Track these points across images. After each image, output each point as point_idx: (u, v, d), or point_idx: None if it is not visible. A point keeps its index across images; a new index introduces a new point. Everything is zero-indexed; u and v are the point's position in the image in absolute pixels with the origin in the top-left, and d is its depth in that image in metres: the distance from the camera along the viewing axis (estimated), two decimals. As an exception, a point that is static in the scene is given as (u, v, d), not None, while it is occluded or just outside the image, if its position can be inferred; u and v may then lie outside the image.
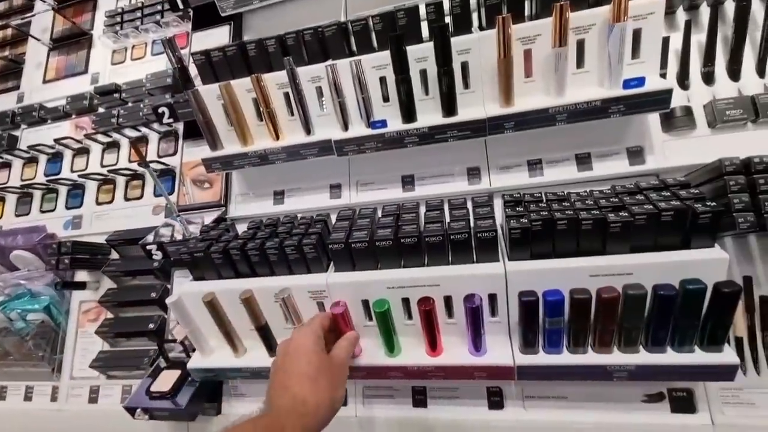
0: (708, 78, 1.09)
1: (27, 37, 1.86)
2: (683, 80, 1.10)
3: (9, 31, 1.94)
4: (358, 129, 1.15)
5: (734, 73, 1.08)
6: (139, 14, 1.65)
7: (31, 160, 1.70)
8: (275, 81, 1.18)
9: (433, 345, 0.96)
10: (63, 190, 1.61)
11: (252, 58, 1.21)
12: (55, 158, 1.66)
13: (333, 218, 1.15)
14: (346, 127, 1.16)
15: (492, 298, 0.94)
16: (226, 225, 1.22)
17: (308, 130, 1.19)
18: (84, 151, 1.63)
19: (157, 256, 1.25)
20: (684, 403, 0.96)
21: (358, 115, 1.15)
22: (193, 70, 1.38)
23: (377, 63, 1.10)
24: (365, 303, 1.02)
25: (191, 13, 1.59)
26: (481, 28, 1.10)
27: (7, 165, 1.73)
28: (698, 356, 0.84)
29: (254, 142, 1.25)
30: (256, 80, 1.13)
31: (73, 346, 1.44)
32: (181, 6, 1.46)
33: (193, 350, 1.18)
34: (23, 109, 1.73)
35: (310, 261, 1.03)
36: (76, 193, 1.58)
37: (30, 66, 1.85)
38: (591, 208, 0.89)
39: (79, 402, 1.38)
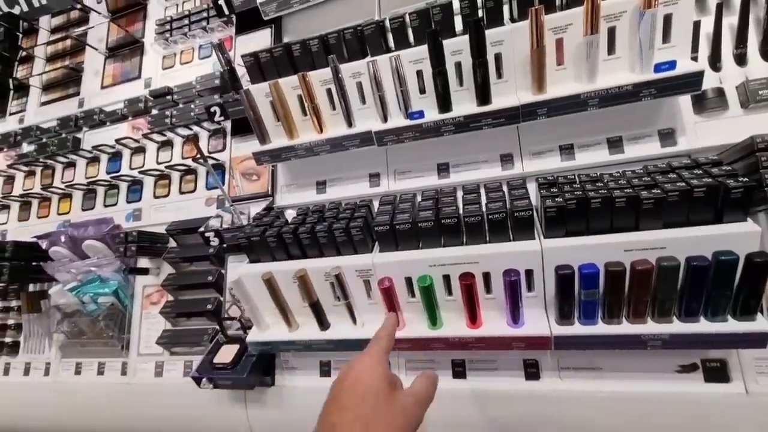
0: (740, 59, 1.11)
1: (85, 46, 2.03)
2: (715, 63, 1.12)
3: (68, 42, 2.11)
4: (397, 120, 1.23)
5: (767, 53, 1.09)
6: (186, 21, 1.78)
7: (94, 160, 1.86)
8: (319, 78, 1.27)
9: (473, 318, 1.04)
10: (123, 186, 1.76)
11: (297, 57, 1.30)
12: (115, 157, 1.82)
13: (375, 205, 1.24)
14: (385, 119, 1.24)
15: (528, 273, 1.00)
16: (276, 212, 1.32)
17: (350, 123, 1.28)
18: (141, 150, 1.77)
19: (214, 242, 1.37)
20: (718, 373, 1.00)
21: (396, 107, 1.23)
22: (239, 71, 1.50)
23: (414, 57, 1.18)
24: (408, 280, 1.10)
25: (234, 19, 1.70)
26: (512, 20, 1.15)
27: (73, 164, 1.90)
28: (731, 325, 0.88)
29: (300, 136, 1.35)
30: (303, 78, 1.23)
31: (138, 326, 1.59)
32: (226, 11, 1.57)
33: (250, 327, 1.30)
34: (85, 113, 1.90)
35: (356, 243, 1.12)
36: (135, 188, 1.73)
37: (88, 74, 2.01)
38: (624, 187, 0.94)
39: (146, 376, 1.53)
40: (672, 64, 1.00)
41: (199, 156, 1.37)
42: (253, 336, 1.23)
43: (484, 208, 1.02)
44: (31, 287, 1.81)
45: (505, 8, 1.16)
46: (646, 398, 1.04)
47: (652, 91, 1.02)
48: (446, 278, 1.07)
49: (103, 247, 1.58)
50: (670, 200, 0.88)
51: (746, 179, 0.84)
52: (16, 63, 2.22)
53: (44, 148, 1.90)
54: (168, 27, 1.79)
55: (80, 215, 1.81)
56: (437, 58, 1.11)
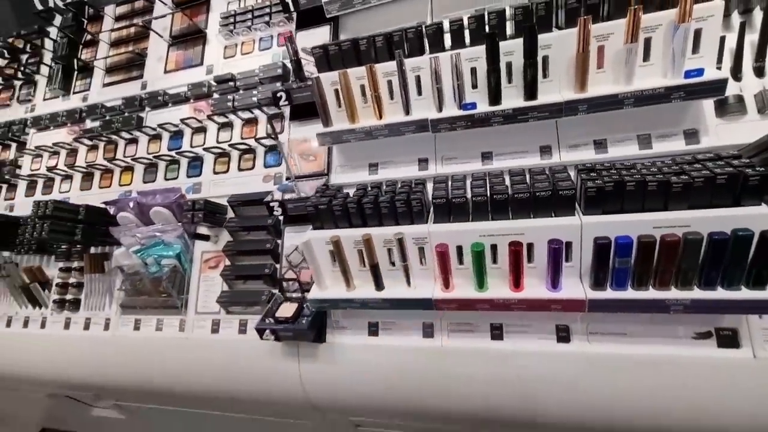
0: (759, 72, 1.27)
1: (148, 34, 2.20)
2: (736, 73, 1.28)
3: (132, 30, 2.29)
4: (451, 110, 1.39)
5: (783, 67, 1.25)
6: (249, 16, 1.95)
7: (156, 137, 2.03)
8: (382, 70, 1.43)
9: (517, 282, 1.19)
10: (184, 162, 1.93)
11: (363, 52, 1.47)
12: (177, 135, 1.99)
13: (428, 185, 1.40)
14: (440, 109, 1.40)
15: (568, 245, 1.16)
16: (336, 187, 1.48)
17: (407, 111, 1.44)
18: (202, 130, 1.94)
19: (278, 211, 1.53)
20: (729, 340, 1.15)
21: (449, 99, 1.39)
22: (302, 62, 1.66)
23: (470, 56, 1.34)
24: (459, 249, 1.25)
25: (295, 15, 1.87)
26: (558, 27, 1.32)
27: (135, 141, 2.07)
28: (745, 293, 1.03)
29: (360, 121, 1.51)
30: (370, 69, 1.39)
31: (196, 287, 1.74)
32: (291, 8, 1.75)
33: (307, 289, 1.46)
34: (149, 94, 2.07)
35: (415, 214, 1.28)
36: (196, 164, 1.90)
37: (152, 59, 2.18)
38: (655, 173, 1.09)
39: (203, 332, 1.68)
40: (700, 72, 1.16)
41: (271, 134, 1.53)
42: (314, 294, 1.38)
43: (532, 187, 1.18)
44: (92, 250, 1.97)
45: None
46: (665, 361, 1.18)
47: (681, 94, 1.18)
48: (493, 248, 1.23)
49: (169, 214, 1.74)
50: (695, 185, 1.04)
51: (762, 169, 1.00)
52: (81, 46, 2.39)
53: (109, 124, 2.06)
54: (232, 20, 1.96)
55: (141, 187, 1.97)
56: (493, 57, 1.27)
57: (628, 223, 1.08)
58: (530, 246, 1.19)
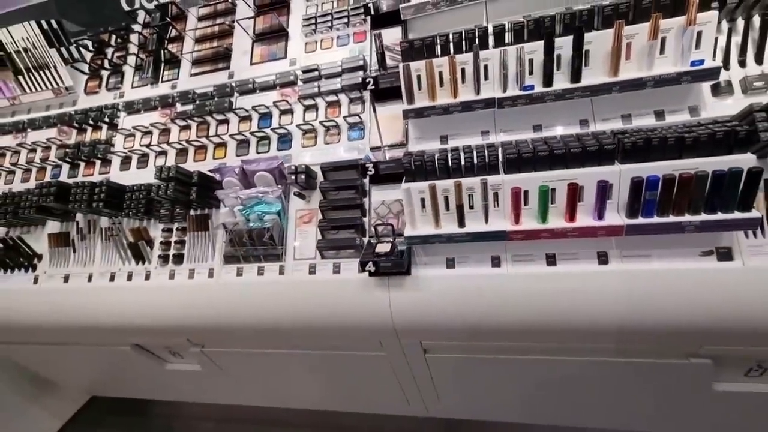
0: (742, 64, 1.73)
1: (232, 31, 2.58)
2: (726, 64, 1.74)
3: (216, 28, 2.66)
4: (513, 91, 1.81)
5: (759, 60, 1.71)
6: (329, 18, 2.35)
7: (245, 118, 2.39)
8: (459, 60, 1.84)
9: (572, 215, 1.60)
10: (274, 138, 2.29)
11: (441, 45, 1.88)
12: (265, 116, 2.36)
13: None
14: (504, 90, 1.82)
15: (609, 187, 1.57)
16: (420, 152, 1.88)
17: (477, 92, 1.85)
18: (288, 112, 2.31)
19: (371, 171, 1.91)
20: (725, 255, 1.58)
21: (512, 83, 1.81)
22: (374, 57, 2.06)
23: (529, 49, 1.76)
24: (525, 194, 1.66)
25: (369, 19, 2.28)
26: (594, 28, 1.75)
27: (226, 121, 2.43)
28: (736, 215, 1.46)
29: (437, 100, 1.91)
30: (452, 59, 1.80)
31: (293, 239, 2.10)
32: (372, 12, 2.15)
33: (398, 234, 1.84)
34: (239, 82, 2.43)
35: (490, 167, 1.68)
36: (285, 139, 2.27)
37: (237, 53, 2.55)
38: (672, 133, 1.52)
39: (301, 275, 2.03)
40: (701, 62, 1.60)
41: (370, 109, 1.92)
42: (408, 232, 1.77)
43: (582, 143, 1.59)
44: (192, 213, 2.31)
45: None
46: (680, 274, 1.60)
47: (688, 78, 1.62)
48: (552, 191, 1.63)
49: (271, 178, 2.10)
50: (701, 140, 1.47)
51: (747, 128, 1.43)
52: (166, 41, 2.75)
53: (202, 107, 2.42)
54: (314, 21, 2.36)
55: (235, 160, 2.32)
56: (549, 50, 1.70)
57: (654, 168, 1.51)
58: (581, 189, 1.60)
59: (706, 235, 1.55)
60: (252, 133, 2.30)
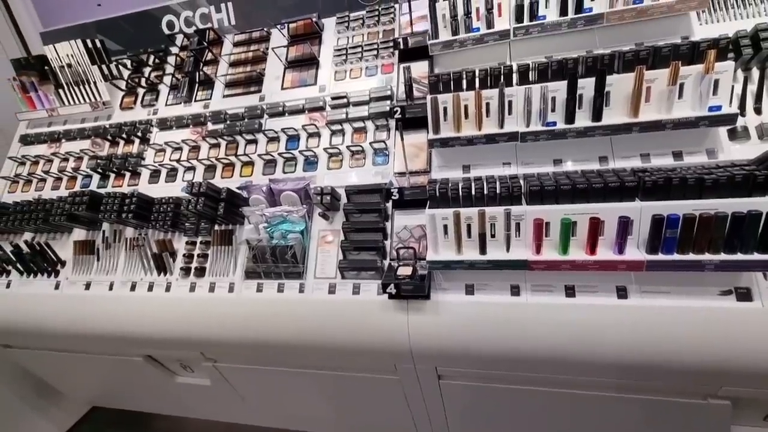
0: (758, 111, 1.80)
1: (265, 57, 2.72)
2: (742, 111, 1.81)
3: (250, 54, 2.81)
4: (536, 127, 1.89)
5: (774, 108, 1.78)
6: (359, 50, 2.48)
7: (273, 139, 2.49)
8: (484, 94, 1.93)
9: (593, 248, 1.64)
10: (300, 159, 2.38)
11: (467, 80, 1.98)
12: (293, 138, 2.46)
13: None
14: (528, 125, 1.90)
15: (630, 222, 1.62)
16: (444, 180, 1.94)
17: (501, 125, 1.93)
18: (316, 135, 2.41)
19: (395, 196, 1.98)
20: (744, 296, 1.60)
21: (534, 118, 1.90)
22: (400, 88, 2.17)
23: (553, 89, 1.85)
24: (546, 225, 1.71)
25: (397, 52, 2.41)
26: (615, 71, 1.84)
27: (254, 141, 2.53)
28: (755, 256, 1.49)
29: (462, 132, 1.99)
30: (478, 94, 1.89)
31: (314, 258, 2.15)
32: (401, 47, 2.28)
33: (420, 258, 1.88)
34: (270, 105, 2.55)
35: (513, 197, 1.74)
36: (311, 161, 2.35)
37: (269, 77, 2.68)
38: (692, 174, 1.58)
39: (321, 294, 2.07)
40: (719, 107, 1.68)
41: (397, 134, 2.00)
42: (431, 256, 1.81)
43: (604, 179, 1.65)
44: (216, 228, 2.38)
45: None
46: (700, 312, 1.62)
47: (706, 122, 1.69)
48: (573, 224, 1.68)
49: (297, 198, 2.18)
50: (721, 182, 1.52)
51: (766, 172, 1.49)
52: (202, 63, 2.90)
53: (233, 126, 2.53)
54: (344, 52, 2.49)
55: (261, 179, 2.41)
56: (572, 89, 1.78)
57: (674, 207, 1.56)
58: (602, 223, 1.65)
59: (725, 274, 1.59)
60: (279, 154, 2.39)
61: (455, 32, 2.19)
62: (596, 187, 1.63)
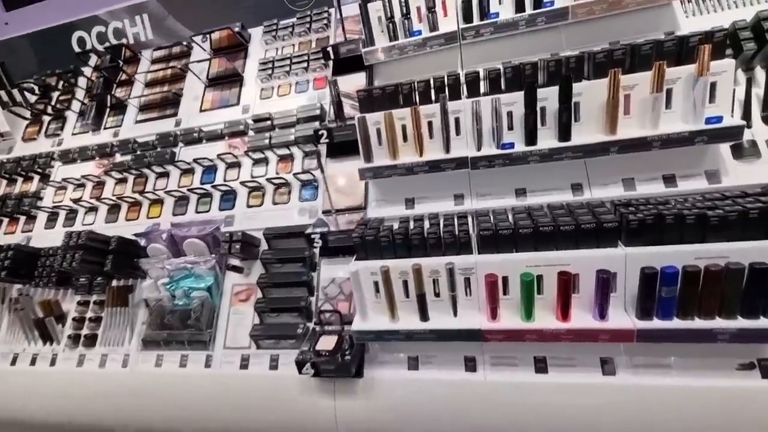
0: (766, 120, 1.42)
1: (184, 75, 2.33)
2: (747, 121, 1.42)
3: (168, 71, 2.41)
4: (489, 149, 1.49)
5: (787, 117, 1.40)
6: (288, 62, 2.09)
7: (188, 171, 2.08)
8: (424, 112, 1.54)
9: (565, 312, 1.22)
10: (217, 195, 1.96)
11: (403, 95, 1.59)
12: (210, 170, 2.04)
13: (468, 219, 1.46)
14: (479, 148, 1.50)
15: (613, 276, 1.21)
16: (377, 220, 1.53)
17: (447, 149, 1.53)
18: (236, 165, 2.00)
19: (318, 243, 1.56)
20: (773, 371, 1.18)
21: (488, 139, 1.50)
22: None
23: (507, 101, 1.46)
24: (504, 280, 1.29)
25: (331, 63, 2.02)
26: (585, 78, 1.46)
27: (166, 174, 2.11)
28: (787, 322, 1.08)
29: (400, 158, 1.59)
30: (415, 111, 1.50)
31: (225, 321, 1.71)
32: (332, 57, 1.89)
33: (348, 322, 1.46)
34: (184, 131, 2.14)
35: (462, 245, 1.32)
36: (229, 197, 1.94)
37: (187, 98, 2.29)
38: (690, 208, 1.18)
39: (232, 368, 1.63)
40: (719, 119, 1.29)
41: (317, 168, 1.59)
42: (357, 325, 1.38)
43: (576, 219, 1.24)
44: (114, 283, 1.94)
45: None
46: (712, 394, 1.20)
47: (704, 138, 1.30)
48: (538, 279, 1.27)
49: (203, 246, 1.75)
50: (730, 219, 1.12)
51: (790, 205, 1.09)
52: (115, 85, 2.49)
53: (141, 158, 2.11)
54: (270, 66, 2.10)
55: (170, 220, 1.98)
56: (530, 102, 1.39)
57: (670, 254, 1.15)
58: (575, 277, 1.24)
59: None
60: (190, 190, 1.97)
61: (394, 37, 1.81)
62: (566, 230, 1.23)
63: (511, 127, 1.49)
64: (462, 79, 1.55)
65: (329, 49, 1.89)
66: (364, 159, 1.61)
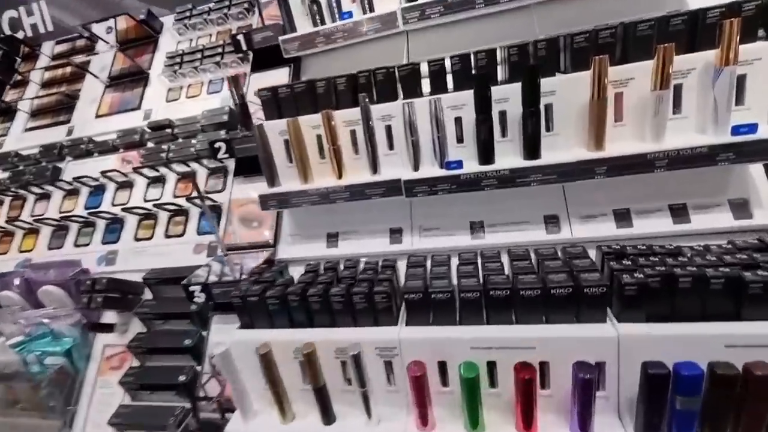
0: (813, 129, 1.01)
1: (85, 74, 1.91)
2: (786, 131, 1.02)
3: (68, 69, 2.00)
4: (430, 169, 1.08)
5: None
6: (199, 56, 1.68)
7: (73, 192, 1.66)
8: (343, 118, 1.13)
9: (528, 422, 0.80)
10: (101, 224, 1.55)
11: (320, 95, 1.18)
12: (98, 191, 1.62)
13: (399, 265, 1.04)
14: (416, 167, 1.09)
15: (599, 367, 0.80)
16: (279, 267, 1.11)
17: (375, 169, 1.12)
18: (128, 185, 1.58)
19: (200, 298, 1.14)
20: None
21: (429, 155, 1.09)
22: (252, 108, 1.37)
23: (454, 103, 1.05)
24: (442, 365, 0.88)
25: (251, 56, 1.61)
26: (561, 72, 1.06)
27: (47, 196, 1.69)
28: None
29: (315, 180, 1.18)
30: (326, 116, 1.08)
31: (90, 396, 1.29)
32: (244, 47, 1.48)
33: (231, 410, 1.03)
34: (72, 142, 1.73)
35: (380, 312, 0.91)
36: (115, 227, 1.52)
37: (84, 101, 1.88)
38: (716, 264, 0.77)
39: (89, 466, 1.20)
40: (752, 128, 0.89)
41: (195, 195, 1.17)
42: (236, 425, 0.96)
43: (544, 279, 0.83)
44: (-34, 338, 1.50)
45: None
46: None
47: (730, 155, 0.90)
48: (490, 365, 0.85)
49: (63, 295, 1.33)
50: (780, 285, 0.71)
51: None
52: (8, 87, 2.08)
53: (19, 176, 1.69)
54: (179, 60, 1.69)
55: (45, 255, 1.56)
56: (483, 104, 0.99)
57: (686, 339, 0.74)
58: (543, 365, 0.82)
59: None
60: (69, 218, 1.54)
61: (320, 21, 1.40)
62: (529, 296, 0.81)
63: (460, 139, 1.08)
64: (396, 73, 1.14)
65: (240, 37, 1.48)
66: (267, 182, 1.20)
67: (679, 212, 1.03)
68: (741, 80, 0.92)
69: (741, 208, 0.99)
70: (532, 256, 0.95)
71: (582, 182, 0.99)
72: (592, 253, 0.94)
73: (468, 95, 1.03)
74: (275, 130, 1.18)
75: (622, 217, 1.06)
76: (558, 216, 1.10)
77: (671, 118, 0.96)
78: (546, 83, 0.99)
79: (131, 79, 1.82)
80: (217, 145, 1.30)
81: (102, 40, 1.88)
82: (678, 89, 0.95)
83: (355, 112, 1.11)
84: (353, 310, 0.92)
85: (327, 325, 0.94)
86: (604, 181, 0.97)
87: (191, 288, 1.14)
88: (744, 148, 0.89)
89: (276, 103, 1.21)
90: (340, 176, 1.14)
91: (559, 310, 0.81)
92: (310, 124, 1.15)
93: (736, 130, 0.89)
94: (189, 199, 1.38)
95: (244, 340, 0.95)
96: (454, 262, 0.99)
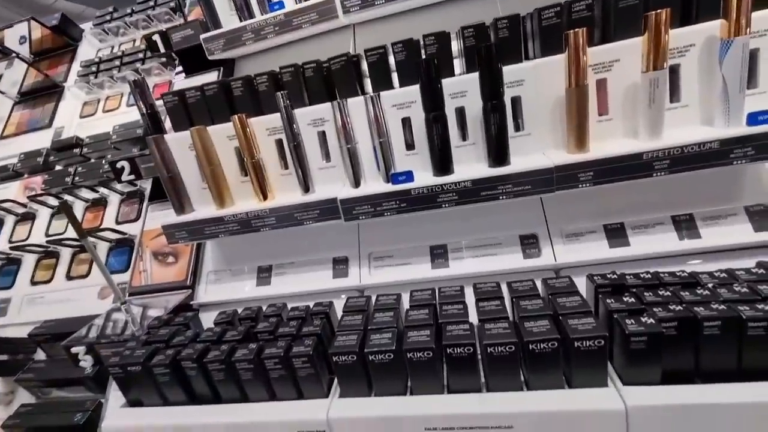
0: (838, 116, 0.83)
1: (-5, 91, 1.65)
2: (806, 119, 0.83)
3: (-24, 86, 1.73)
4: (374, 185, 0.86)
5: None
6: (117, 63, 1.44)
7: (-35, 229, 1.38)
8: (265, 125, 0.91)
9: None
10: (-6, 266, 1.27)
11: (238, 99, 0.95)
12: (-6, 226, 1.34)
13: (339, 309, 0.81)
14: (357, 183, 0.86)
15: (602, 452, 0.57)
16: (185, 318, 0.86)
17: (306, 188, 0.89)
18: (29, 217, 1.32)
19: (86, 362, 0.87)
20: None
21: (373, 166, 0.87)
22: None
23: (399, 100, 0.84)
24: (389, 451, 0.64)
25: (176, 62, 1.38)
26: (531, 56, 0.86)
27: (-63, 234, 1.40)
28: None
29: (234, 204, 0.94)
30: (240, 122, 0.85)
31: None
32: (162, 49, 1.25)
33: None
34: (-32, 168, 1.45)
35: (302, 380, 0.66)
36: (10, 269, 1.25)
37: (-10, 121, 1.60)
38: (749, 298, 0.56)
39: None
40: (772, 115, 0.69)
41: (76, 230, 0.92)
42: None
43: (518, 329, 0.61)
44: None
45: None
46: None
47: (748, 151, 0.70)
48: (454, 452, 0.61)
49: (-75, 362, 1.04)
50: None
51: None
52: None
53: None
54: (94, 69, 1.45)
55: (-74, 306, 1.26)
56: (433, 99, 0.77)
57: (717, 409, 0.52)
58: (527, 451, 0.59)
59: None
60: (-48, 260, 1.26)
61: (247, 15, 1.18)
62: (500, 354, 0.58)
63: (410, 146, 0.86)
64: (330, 68, 0.92)
65: (156, 37, 1.25)
66: (174, 208, 0.96)
67: (685, 225, 0.82)
68: (753, 56, 0.73)
69: (762, 217, 0.79)
70: (505, 292, 0.72)
71: (563, 192, 0.77)
72: (581, 283, 0.72)
73: (416, 90, 0.81)
74: (184, 143, 0.94)
75: (616, 233, 0.85)
76: (537, 235, 0.89)
77: (670, 106, 0.77)
78: (511, 71, 0.79)
79: (44, 93, 1.57)
80: (119, 165, 1.06)
81: (13, 52, 1.63)
82: (675, 72, 0.76)
83: (279, 118, 0.89)
84: (267, 379, 0.67)
85: (236, 399, 0.70)
86: (590, 190, 0.76)
87: (74, 350, 0.88)
88: (765, 141, 0.69)
89: (185, 110, 0.98)
90: (264, 197, 0.91)
91: (542, 371, 0.59)
92: (227, 134, 0.93)
93: (752, 119, 0.70)
94: (92, 232, 1.12)
95: (125, 427, 0.69)
96: (406, 306, 0.75)
